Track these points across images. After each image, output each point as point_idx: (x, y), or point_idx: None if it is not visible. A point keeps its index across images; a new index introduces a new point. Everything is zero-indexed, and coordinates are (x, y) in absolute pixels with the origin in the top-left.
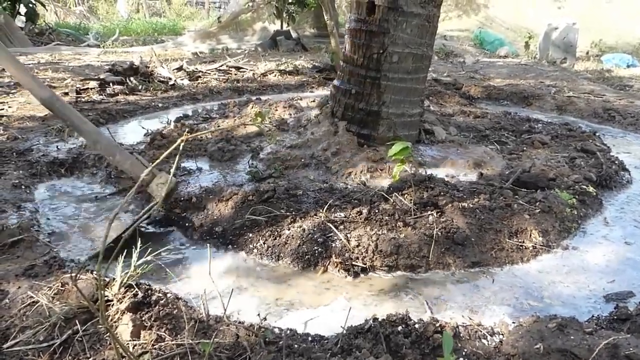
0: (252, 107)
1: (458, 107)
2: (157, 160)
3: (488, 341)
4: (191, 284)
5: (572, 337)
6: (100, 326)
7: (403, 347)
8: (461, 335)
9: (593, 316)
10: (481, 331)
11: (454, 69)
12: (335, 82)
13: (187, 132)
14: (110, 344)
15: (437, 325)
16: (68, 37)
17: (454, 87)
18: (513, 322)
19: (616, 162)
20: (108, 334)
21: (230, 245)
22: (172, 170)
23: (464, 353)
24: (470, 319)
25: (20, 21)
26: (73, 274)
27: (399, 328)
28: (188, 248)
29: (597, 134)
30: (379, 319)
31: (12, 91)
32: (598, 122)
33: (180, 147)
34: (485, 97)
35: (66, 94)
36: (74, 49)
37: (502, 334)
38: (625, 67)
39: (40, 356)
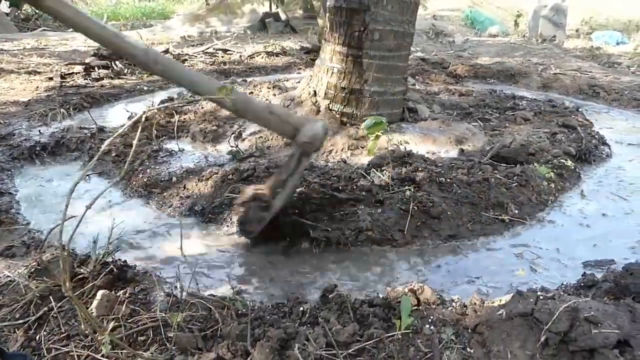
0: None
1: (444, 86)
2: (115, 135)
3: (455, 309)
4: (167, 261)
5: (533, 302)
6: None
7: (369, 316)
8: (429, 304)
9: (562, 284)
10: (448, 300)
11: (443, 48)
12: (318, 61)
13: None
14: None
15: (403, 294)
16: (55, 22)
17: (440, 66)
18: (481, 292)
19: (596, 136)
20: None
21: (209, 223)
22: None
23: (430, 320)
24: (440, 289)
25: (5, 7)
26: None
27: (366, 299)
28: (166, 226)
29: (581, 110)
30: (347, 291)
31: None
32: (583, 98)
33: (143, 119)
34: (472, 75)
35: (51, 78)
36: (60, 34)
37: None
38: (615, 44)
39: (16, 332)
